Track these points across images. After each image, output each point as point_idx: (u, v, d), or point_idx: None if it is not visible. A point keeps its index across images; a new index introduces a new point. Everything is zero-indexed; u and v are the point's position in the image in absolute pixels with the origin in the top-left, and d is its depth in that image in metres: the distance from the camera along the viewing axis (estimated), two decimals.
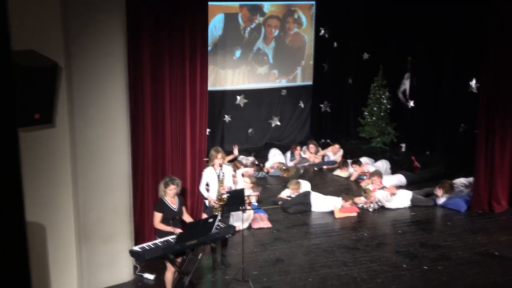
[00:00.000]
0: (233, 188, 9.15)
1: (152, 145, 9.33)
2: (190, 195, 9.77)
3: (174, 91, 9.40)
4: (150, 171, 9.32)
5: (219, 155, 9.02)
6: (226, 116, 15.45)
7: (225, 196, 8.93)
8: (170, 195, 8.01)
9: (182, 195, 8.64)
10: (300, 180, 12.60)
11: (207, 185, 9.25)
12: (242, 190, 8.98)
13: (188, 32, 9.32)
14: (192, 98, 9.58)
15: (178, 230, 7.86)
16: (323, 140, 16.14)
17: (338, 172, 14.06)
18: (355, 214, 11.36)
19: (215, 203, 9.01)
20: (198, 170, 9.76)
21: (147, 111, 9.18)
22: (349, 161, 14.10)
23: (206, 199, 9.31)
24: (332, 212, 11.45)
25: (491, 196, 11.53)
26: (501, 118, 11.22)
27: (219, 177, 9.04)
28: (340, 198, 11.58)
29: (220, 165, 9.04)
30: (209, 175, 9.14)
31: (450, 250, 9.88)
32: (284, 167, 13.81)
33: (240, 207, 8.72)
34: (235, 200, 8.65)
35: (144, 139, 9.22)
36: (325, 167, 14.51)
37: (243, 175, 11.17)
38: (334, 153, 14.83)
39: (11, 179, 1.44)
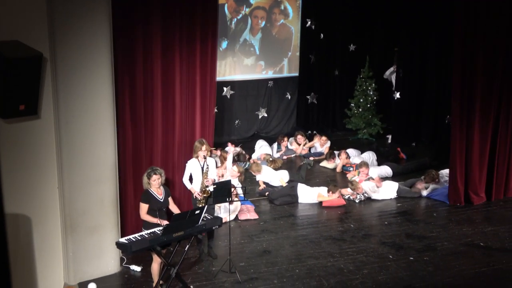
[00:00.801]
0: (217, 180, 9.12)
1: (162, 134, 9.41)
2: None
3: (184, 80, 9.45)
4: (159, 160, 9.38)
5: (204, 147, 8.98)
6: None
7: (209, 188, 8.91)
8: (155, 186, 7.97)
9: (166, 185, 8.62)
10: (281, 168, 12.60)
11: (190, 176, 9.20)
12: (228, 182, 8.97)
13: (200, 23, 9.35)
14: (202, 87, 9.62)
15: (165, 222, 7.83)
16: (309, 132, 16.17)
17: (325, 164, 14.09)
18: (340, 204, 11.39)
19: (198, 195, 8.98)
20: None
21: (157, 101, 9.25)
22: (336, 152, 14.15)
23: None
24: (319, 203, 11.48)
25: (468, 188, 11.60)
26: (481, 111, 11.23)
27: (203, 169, 9.01)
28: (326, 189, 11.62)
29: (205, 157, 9.01)
30: (192, 166, 9.11)
31: (435, 241, 9.94)
32: (271, 159, 13.81)
33: (227, 199, 8.73)
34: (222, 191, 8.64)
35: (154, 128, 9.31)
36: (311, 158, 14.54)
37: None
38: (321, 144, 14.86)
39: None
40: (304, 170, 13.14)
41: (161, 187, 8.07)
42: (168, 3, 9.03)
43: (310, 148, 14.99)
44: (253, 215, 10.80)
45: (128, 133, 9.03)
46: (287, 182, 12.37)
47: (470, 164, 11.47)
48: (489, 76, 11.14)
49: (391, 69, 16.40)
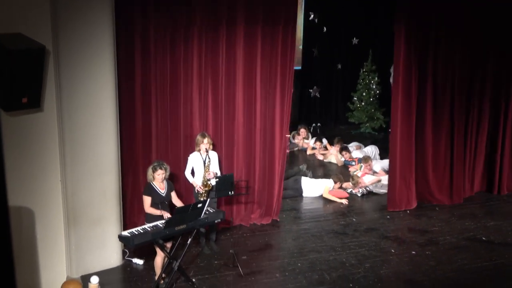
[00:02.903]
0: (218, 173, 9.12)
1: (244, 124, 9.78)
2: (279, 173, 10.21)
3: (265, 70, 9.74)
4: (240, 151, 9.86)
5: (205, 140, 8.95)
6: None
7: (210, 181, 8.90)
8: (158, 180, 7.97)
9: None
10: None
11: (192, 170, 9.19)
12: (231, 175, 8.95)
13: (283, 19, 9.72)
14: (282, 76, 9.89)
15: (168, 214, 7.83)
16: (314, 124, 16.19)
17: (330, 159, 14.07)
18: (344, 201, 11.36)
19: (200, 188, 8.96)
20: (283, 147, 10.18)
21: (239, 92, 9.64)
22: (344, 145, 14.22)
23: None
24: (321, 197, 11.49)
25: (427, 190, 11.36)
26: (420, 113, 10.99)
27: (205, 163, 8.99)
28: (331, 180, 11.65)
29: (207, 150, 8.98)
30: (194, 160, 9.08)
31: (438, 235, 9.93)
32: None
33: (229, 192, 8.71)
34: (224, 184, 8.63)
35: (235, 118, 9.70)
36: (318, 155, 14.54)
37: None
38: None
39: None
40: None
41: (164, 181, 8.06)
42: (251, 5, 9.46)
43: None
44: None
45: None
46: None
47: (426, 165, 11.23)
48: (437, 76, 10.94)
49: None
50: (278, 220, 10.36)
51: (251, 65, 9.65)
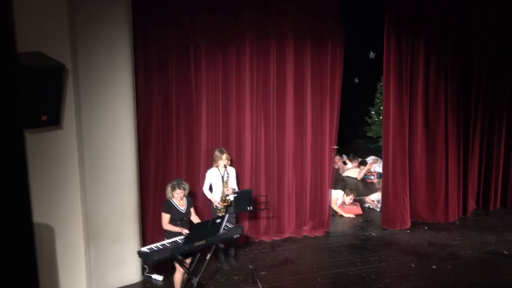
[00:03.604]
0: (236, 189, 9.12)
1: (295, 136, 10.04)
2: (329, 184, 10.47)
3: (315, 82, 10.04)
4: (291, 163, 10.06)
5: (224, 156, 8.98)
6: None
7: (229, 197, 8.91)
8: (177, 198, 7.99)
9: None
10: None
11: (210, 186, 9.20)
12: (249, 191, 8.96)
13: (331, 38, 10.05)
14: (332, 89, 10.18)
15: (186, 231, 7.84)
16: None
17: (348, 173, 14.06)
18: (351, 215, 11.35)
19: (219, 204, 8.97)
20: (332, 158, 10.49)
21: (289, 105, 9.91)
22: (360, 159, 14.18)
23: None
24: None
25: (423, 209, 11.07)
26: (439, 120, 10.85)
27: (223, 178, 9.00)
28: (341, 191, 11.68)
29: (225, 166, 9.00)
30: (213, 176, 9.10)
31: (458, 249, 9.84)
32: None
33: (248, 207, 8.71)
34: (243, 200, 8.63)
35: (285, 130, 9.94)
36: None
37: None
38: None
39: (18, 181, 1.43)
40: None
41: (184, 198, 8.07)
42: (299, 22, 9.76)
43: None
44: None
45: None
46: None
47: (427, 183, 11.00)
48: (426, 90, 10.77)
49: None
50: (330, 231, 10.47)
51: (301, 78, 9.91)
